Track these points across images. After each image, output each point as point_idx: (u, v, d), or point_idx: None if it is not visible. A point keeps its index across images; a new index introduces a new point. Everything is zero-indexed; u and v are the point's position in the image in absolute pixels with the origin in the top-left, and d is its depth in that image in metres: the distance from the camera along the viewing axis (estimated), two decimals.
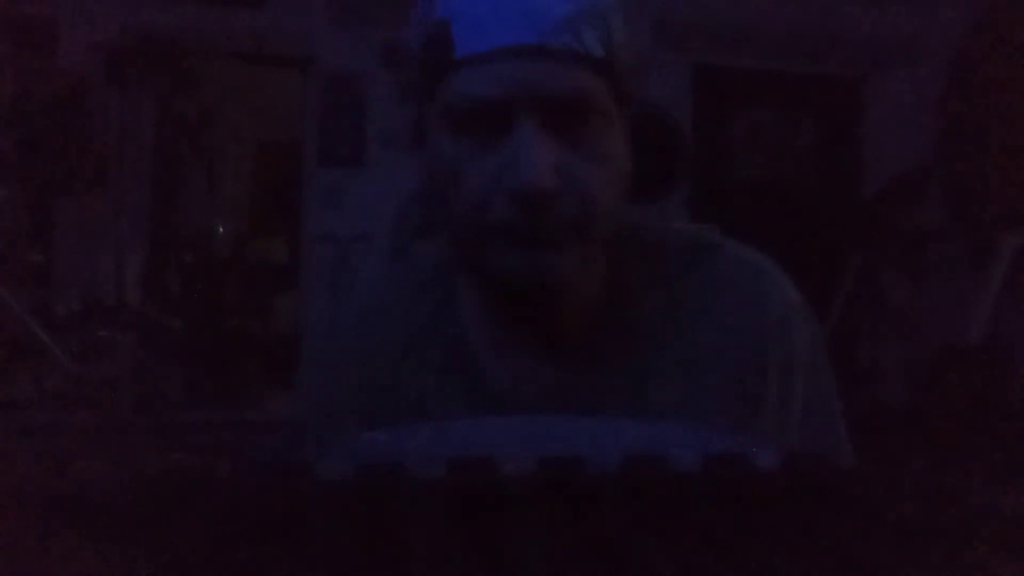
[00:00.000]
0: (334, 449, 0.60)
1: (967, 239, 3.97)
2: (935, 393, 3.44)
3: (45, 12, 3.80)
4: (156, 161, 4.20)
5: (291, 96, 4.65)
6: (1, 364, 3.12)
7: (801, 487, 0.45)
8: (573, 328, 0.75)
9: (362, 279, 4.30)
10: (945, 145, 4.28)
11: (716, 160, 4.71)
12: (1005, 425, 2.83)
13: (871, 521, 0.41)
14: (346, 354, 0.80)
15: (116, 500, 0.42)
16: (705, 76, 4.61)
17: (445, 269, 0.80)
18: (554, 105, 0.67)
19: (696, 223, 4.31)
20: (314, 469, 0.45)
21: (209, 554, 0.38)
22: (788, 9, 4.48)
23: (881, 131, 4.68)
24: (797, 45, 4.62)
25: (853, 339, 4.22)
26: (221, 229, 4.81)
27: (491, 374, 0.75)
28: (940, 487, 0.44)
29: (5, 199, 3.60)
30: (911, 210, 4.20)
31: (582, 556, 0.37)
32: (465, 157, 0.68)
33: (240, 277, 4.53)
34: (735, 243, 0.81)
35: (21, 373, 3.17)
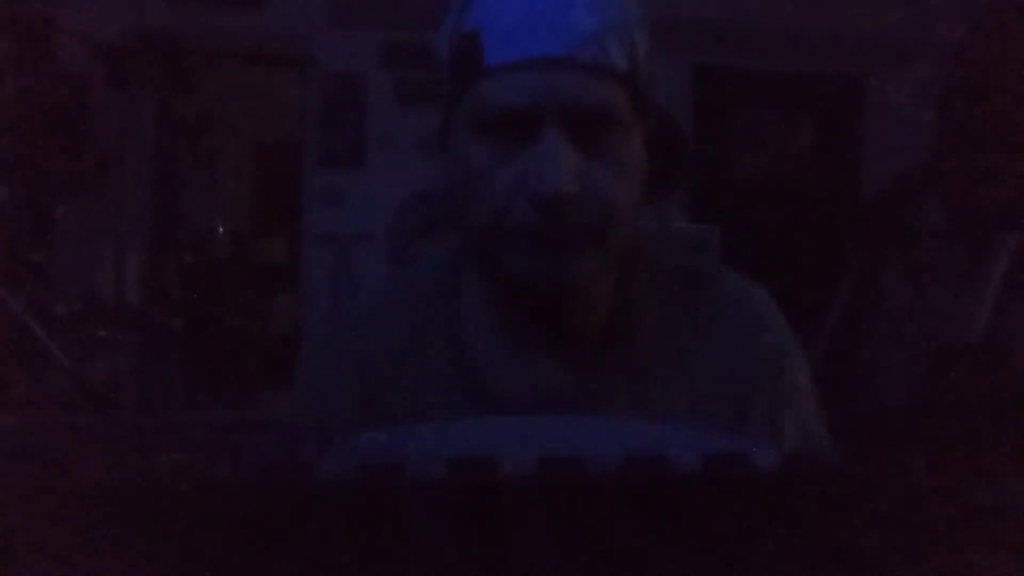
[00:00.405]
0: (334, 449, 0.60)
1: (967, 239, 3.96)
2: (935, 393, 3.44)
3: (45, 12, 3.80)
4: (156, 161, 4.20)
5: (291, 96, 4.65)
6: (1, 364, 3.12)
7: (801, 487, 0.45)
8: (579, 335, 0.77)
9: (364, 281, 4.31)
10: (945, 145, 4.27)
11: (716, 160, 4.71)
12: (1005, 425, 2.83)
13: (871, 521, 0.41)
14: (346, 355, 0.81)
15: (116, 500, 0.42)
16: (705, 76, 4.61)
17: (449, 272, 0.82)
18: (579, 115, 0.69)
19: (696, 223, 4.31)
20: (314, 469, 0.45)
21: (209, 554, 0.38)
22: (788, 9, 4.48)
23: (881, 131, 4.68)
24: (797, 45, 4.62)
25: (853, 339, 4.22)
26: (221, 229, 4.81)
27: (492, 377, 0.77)
28: (940, 487, 0.44)
29: (5, 199, 3.60)
30: (911, 210, 4.20)
31: (582, 556, 0.37)
32: (489, 162, 0.70)
33: (240, 277, 4.53)
34: (736, 274, 0.84)
35: (21, 373, 3.17)
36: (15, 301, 3.23)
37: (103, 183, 3.90)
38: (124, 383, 3.55)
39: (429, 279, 0.82)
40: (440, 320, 0.79)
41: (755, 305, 0.80)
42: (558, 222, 0.69)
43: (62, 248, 3.93)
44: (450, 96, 0.74)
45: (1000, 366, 3.41)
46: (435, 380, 0.77)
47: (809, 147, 4.94)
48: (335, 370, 0.81)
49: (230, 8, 4.14)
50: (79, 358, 3.35)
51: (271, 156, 5.29)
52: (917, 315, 4.09)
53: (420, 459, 0.44)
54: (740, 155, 4.89)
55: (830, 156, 4.88)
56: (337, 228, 4.33)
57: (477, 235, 0.73)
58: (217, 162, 4.63)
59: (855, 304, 4.08)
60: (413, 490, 0.43)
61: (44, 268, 3.81)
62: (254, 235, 5.11)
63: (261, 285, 4.63)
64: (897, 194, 4.22)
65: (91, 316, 3.59)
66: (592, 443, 0.51)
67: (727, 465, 0.45)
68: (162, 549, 0.38)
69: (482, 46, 0.70)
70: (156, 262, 4.18)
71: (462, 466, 0.44)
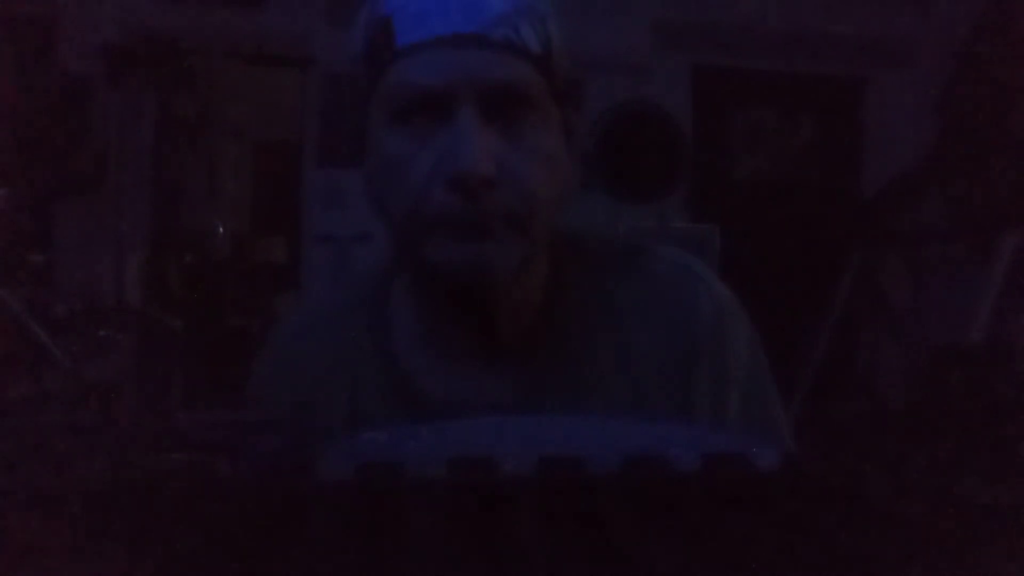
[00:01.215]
0: (334, 449, 0.60)
1: (967, 239, 3.96)
2: (935, 393, 3.44)
3: (45, 12, 3.80)
4: (156, 161, 4.20)
5: (291, 96, 4.65)
6: (1, 364, 3.11)
7: (801, 487, 0.45)
8: (509, 335, 0.74)
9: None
10: (945, 145, 4.27)
11: (716, 160, 4.71)
12: (1005, 425, 2.83)
13: (871, 521, 0.41)
14: (281, 367, 0.80)
15: (116, 500, 0.42)
16: (705, 76, 4.60)
17: (381, 281, 0.80)
18: (493, 93, 0.68)
19: (696, 223, 4.31)
20: (314, 469, 0.45)
21: (209, 554, 0.38)
22: (788, 9, 4.48)
23: (881, 131, 4.67)
24: (797, 45, 4.62)
25: (853, 339, 4.22)
26: (221, 229, 4.80)
27: (423, 386, 0.75)
28: (940, 487, 0.44)
29: (5, 199, 3.60)
30: (911, 210, 4.20)
31: (582, 556, 0.37)
32: (405, 149, 0.69)
33: (240, 277, 4.52)
34: (668, 247, 0.81)
35: (21, 373, 3.16)
36: (15, 301, 3.23)
37: (103, 183, 3.90)
38: (124, 383, 3.54)
39: (361, 289, 0.81)
40: (371, 330, 0.78)
41: (691, 278, 0.78)
42: (477, 206, 0.67)
43: (62, 248, 3.93)
44: (365, 87, 0.72)
45: (1000, 366, 3.41)
46: (367, 391, 0.76)
47: (809, 147, 4.94)
48: (273, 385, 0.80)
49: (230, 8, 4.14)
50: (79, 358, 3.34)
51: (271, 156, 5.28)
52: (917, 315, 4.09)
53: (420, 459, 0.44)
54: (740, 155, 4.89)
55: (830, 156, 4.87)
56: (337, 228, 4.33)
57: (397, 228, 0.72)
58: (217, 162, 4.63)
59: (855, 304, 4.08)
60: (413, 490, 0.43)
61: (44, 268, 3.81)
62: (254, 235, 5.10)
63: (261, 285, 4.63)
64: (897, 194, 4.22)
65: (91, 316, 3.59)
66: (592, 443, 0.51)
67: (727, 465, 0.45)
68: (162, 549, 0.38)
69: (394, 30, 0.69)
70: (156, 262, 4.17)
71: (462, 466, 0.44)
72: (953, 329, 3.68)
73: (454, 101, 0.67)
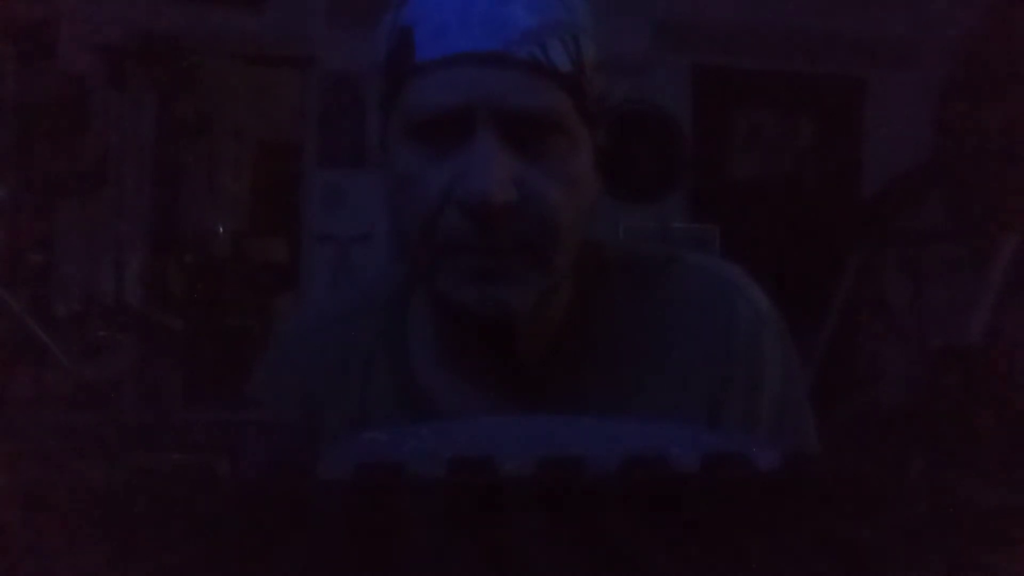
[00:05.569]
0: (334, 449, 0.60)
1: (967, 239, 3.96)
2: (935, 393, 3.44)
3: (45, 12, 3.80)
4: (156, 161, 4.20)
5: (291, 96, 4.65)
6: (1, 364, 3.11)
7: (801, 487, 0.45)
8: (530, 358, 0.72)
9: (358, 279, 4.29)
10: (945, 145, 4.27)
11: (716, 160, 4.71)
12: (1005, 425, 2.83)
13: (871, 521, 0.41)
14: (289, 369, 0.78)
15: (116, 500, 0.42)
16: (705, 76, 4.60)
17: (400, 289, 0.78)
18: (515, 119, 0.64)
19: (696, 223, 4.31)
20: (314, 469, 0.45)
21: (209, 554, 0.38)
22: (788, 9, 4.48)
23: (881, 131, 4.67)
24: (797, 45, 4.62)
25: (853, 339, 4.22)
26: (221, 229, 4.80)
27: (438, 401, 0.73)
28: (940, 487, 0.44)
29: (5, 199, 3.60)
30: (911, 210, 4.20)
31: (582, 556, 0.37)
32: (419, 167, 0.66)
33: (240, 277, 4.52)
34: (699, 254, 0.78)
35: (21, 373, 3.16)
36: (15, 301, 3.23)
37: (103, 183, 3.90)
38: (124, 383, 3.54)
39: (378, 293, 0.79)
40: (387, 338, 0.76)
41: (725, 290, 0.74)
42: (492, 234, 0.64)
43: (62, 248, 3.93)
44: (385, 98, 0.70)
45: (1000, 366, 3.41)
46: (379, 400, 0.74)
47: (809, 147, 4.94)
48: (279, 384, 0.79)
49: (230, 8, 4.14)
50: (79, 358, 3.34)
51: (271, 156, 5.28)
52: (917, 315, 4.09)
53: (420, 459, 0.44)
54: (740, 155, 4.89)
55: (830, 156, 4.87)
56: (337, 228, 4.33)
57: (409, 246, 0.69)
58: (217, 162, 4.63)
59: (855, 304, 4.08)
60: (413, 490, 0.43)
61: (44, 268, 3.81)
62: (254, 235, 5.10)
63: (261, 285, 4.63)
64: (897, 194, 4.22)
65: (91, 316, 3.59)
66: (592, 443, 0.51)
67: (727, 465, 0.45)
68: (162, 549, 0.38)
69: (414, 43, 0.66)
70: (156, 262, 4.18)
71: (462, 466, 0.44)
72: (953, 329, 3.68)
73: (472, 122, 0.64)
